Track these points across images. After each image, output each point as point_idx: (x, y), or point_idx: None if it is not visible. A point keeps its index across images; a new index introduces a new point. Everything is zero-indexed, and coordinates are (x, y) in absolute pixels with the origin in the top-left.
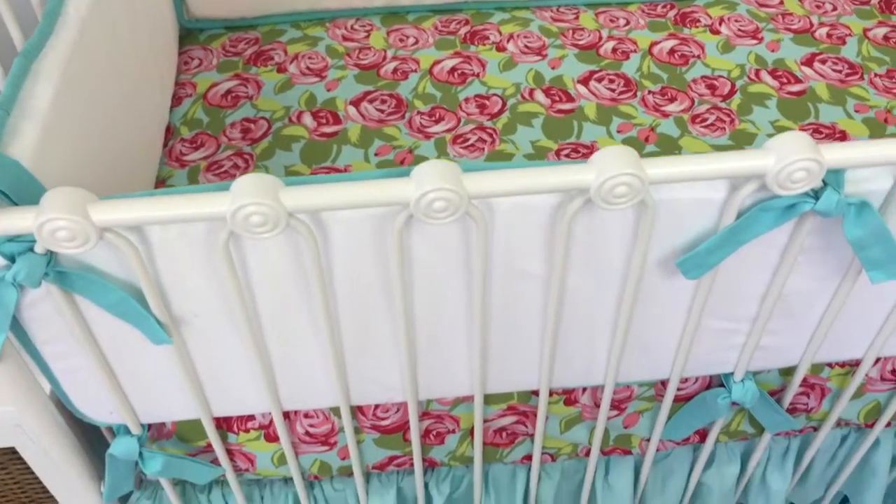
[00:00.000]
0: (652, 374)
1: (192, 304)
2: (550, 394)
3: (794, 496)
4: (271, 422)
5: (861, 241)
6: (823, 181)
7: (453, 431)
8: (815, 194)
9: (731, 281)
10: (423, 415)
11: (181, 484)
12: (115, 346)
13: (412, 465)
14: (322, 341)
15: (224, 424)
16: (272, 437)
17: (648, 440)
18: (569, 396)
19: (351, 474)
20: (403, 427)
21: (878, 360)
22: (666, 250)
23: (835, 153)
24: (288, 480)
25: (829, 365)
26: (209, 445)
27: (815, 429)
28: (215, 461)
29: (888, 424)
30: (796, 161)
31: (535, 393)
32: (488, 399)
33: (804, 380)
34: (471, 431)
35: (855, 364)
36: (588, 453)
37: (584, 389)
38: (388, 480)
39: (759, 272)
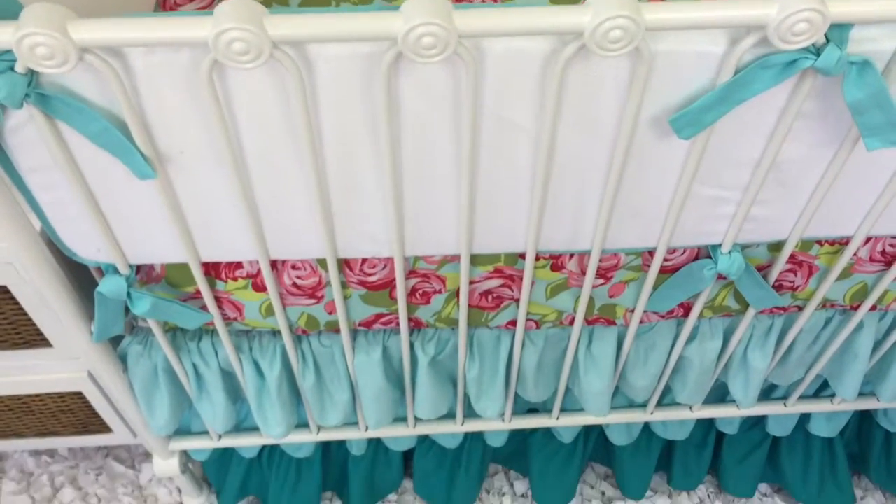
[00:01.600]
0: (640, 242)
1: (176, 140)
2: (537, 258)
3: (774, 376)
4: (259, 271)
5: (860, 105)
6: (826, 37)
7: (439, 292)
8: (817, 51)
9: (724, 145)
10: (410, 273)
11: (171, 331)
12: (101, 179)
13: (398, 324)
14: (309, 186)
15: (212, 271)
16: (260, 287)
17: (633, 311)
18: (555, 262)
19: (338, 330)
20: (390, 284)
21: (868, 239)
22: (660, 108)
23: (840, 6)
24: (276, 333)
25: (819, 242)
26: (198, 292)
27: (800, 308)
28: (204, 308)
29: (873, 308)
30: (800, 11)
31: (522, 256)
32: (475, 260)
33: (792, 256)
34: (457, 293)
35: (845, 242)
36: (572, 321)
37: (571, 256)
38: (374, 339)
39: (754, 137)
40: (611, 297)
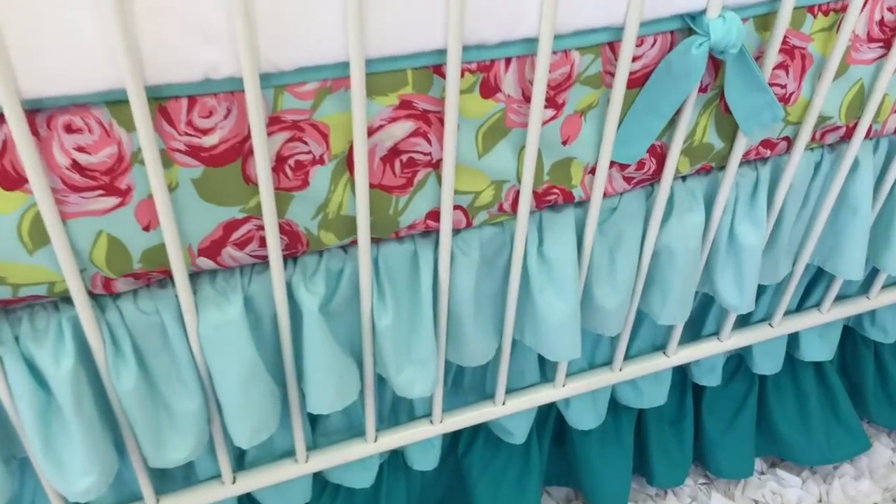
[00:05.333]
0: (601, 19)
1: None
2: (462, 72)
3: (762, 274)
4: (5, 144)
5: None
6: None
7: (321, 160)
8: None
9: None
10: (272, 122)
11: None
12: None
13: (262, 243)
14: None
15: None
16: (12, 181)
17: (593, 171)
18: (486, 78)
19: (163, 272)
20: (240, 149)
21: (865, 3)
22: None
23: None
24: (59, 304)
25: (812, 11)
26: None
27: (789, 143)
28: None
29: (868, 134)
30: None
31: (437, 70)
32: (371, 86)
33: (784, 41)
34: (348, 158)
35: (841, 8)
36: (515, 204)
37: (508, 64)
38: (227, 283)
39: None
40: (565, 142)
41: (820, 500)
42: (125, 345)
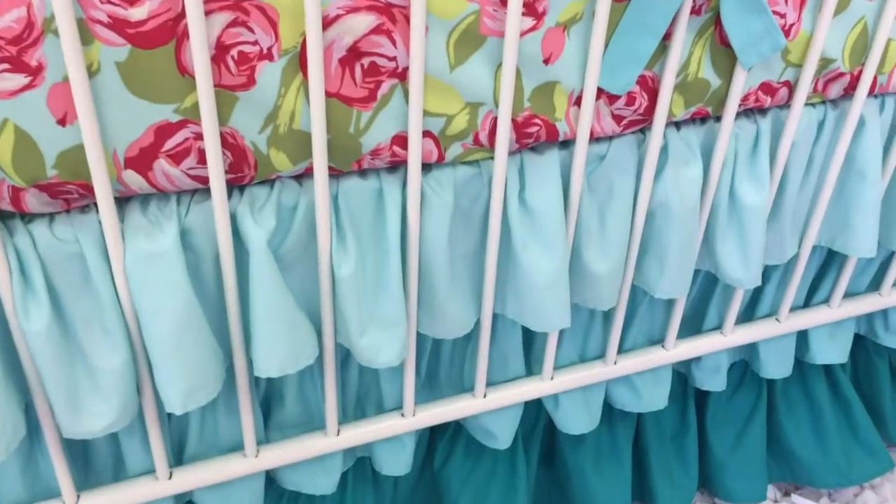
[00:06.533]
0: None
1: None
2: None
3: (767, 252)
4: None
5: None
6: None
7: (269, 55)
8: None
9: None
10: None
11: None
12: None
13: (201, 160)
14: None
15: None
16: None
17: (578, 102)
18: None
19: (83, 197)
20: (174, 31)
21: None
22: None
23: None
24: None
25: None
26: None
27: (790, 92)
28: None
29: (872, 89)
30: None
31: None
32: None
33: None
34: (301, 56)
35: None
36: (493, 137)
37: None
38: (159, 213)
39: None
40: (547, 61)
41: None
42: (36, 276)
